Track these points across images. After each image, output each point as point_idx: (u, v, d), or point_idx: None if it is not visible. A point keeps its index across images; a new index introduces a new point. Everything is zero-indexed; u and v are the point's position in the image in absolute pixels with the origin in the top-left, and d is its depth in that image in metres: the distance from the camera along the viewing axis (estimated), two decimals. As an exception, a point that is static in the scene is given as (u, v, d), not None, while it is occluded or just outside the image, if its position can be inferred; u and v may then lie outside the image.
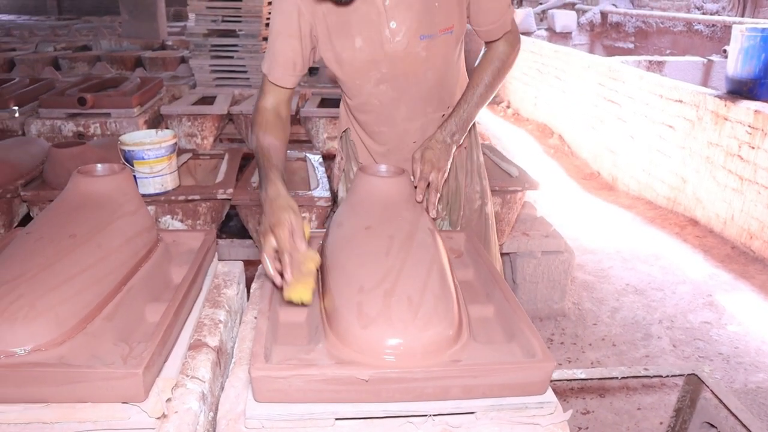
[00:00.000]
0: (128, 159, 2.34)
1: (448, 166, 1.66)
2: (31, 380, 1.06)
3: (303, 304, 1.28)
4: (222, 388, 1.30)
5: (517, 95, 8.59)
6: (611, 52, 8.98)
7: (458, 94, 1.79)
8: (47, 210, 1.49)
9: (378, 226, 1.39)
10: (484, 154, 3.20)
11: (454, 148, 1.68)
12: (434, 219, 1.61)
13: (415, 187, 1.62)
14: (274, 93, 1.67)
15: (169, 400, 1.11)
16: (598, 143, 5.98)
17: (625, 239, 4.29)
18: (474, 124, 1.97)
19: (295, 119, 4.18)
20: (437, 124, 1.74)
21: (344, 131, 1.96)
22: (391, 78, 1.67)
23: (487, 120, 7.98)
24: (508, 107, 8.72)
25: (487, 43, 1.77)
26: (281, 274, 1.28)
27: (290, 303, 1.28)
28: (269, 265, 1.28)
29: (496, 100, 9.23)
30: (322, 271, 1.37)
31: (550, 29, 9.32)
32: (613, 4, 9.28)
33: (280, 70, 1.64)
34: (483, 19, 1.66)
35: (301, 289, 1.26)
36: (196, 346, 1.33)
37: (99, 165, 1.60)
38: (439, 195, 1.62)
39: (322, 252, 1.47)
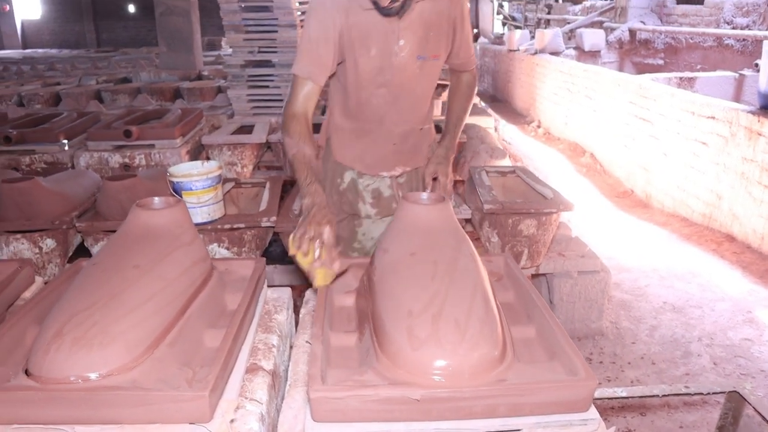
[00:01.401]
0: (177, 190, 2.45)
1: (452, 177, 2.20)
2: (106, 403, 1.14)
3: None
4: (277, 410, 1.38)
5: (547, 115, 8.62)
6: (641, 68, 8.97)
7: (427, 114, 2.26)
8: (111, 242, 1.58)
9: (422, 252, 1.46)
10: (518, 176, 3.26)
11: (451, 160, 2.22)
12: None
13: (426, 189, 2.21)
14: (306, 93, 1.97)
15: (232, 421, 1.19)
16: (631, 161, 5.98)
17: (661, 257, 4.29)
18: None
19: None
20: (411, 135, 2.21)
21: (327, 138, 2.31)
22: (390, 84, 2.06)
23: (518, 140, 8.02)
24: (538, 127, 8.75)
25: (453, 74, 2.29)
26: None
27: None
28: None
29: (527, 120, 9.27)
30: (371, 295, 1.44)
31: (579, 48, 9.35)
32: (642, 21, 9.29)
33: (316, 68, 1.97)
34: (459, 55, 2.16)
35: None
36: (252, 369, 1.41)
37: (156, 198, 1.69)
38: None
39: (369, 277, 1.54)
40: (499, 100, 11.37)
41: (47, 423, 1.15)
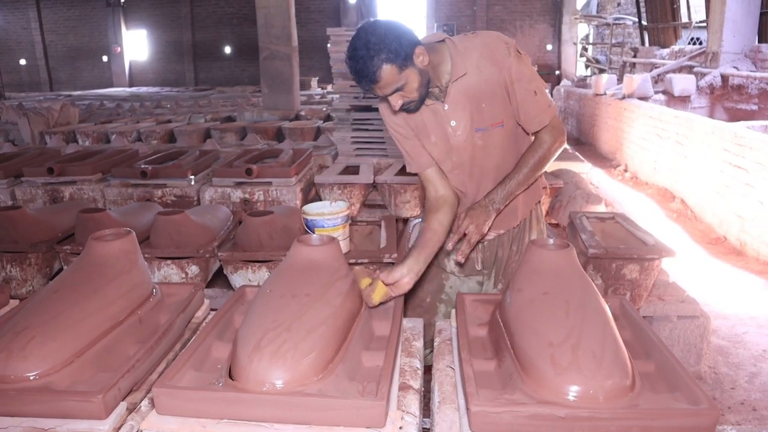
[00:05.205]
0: (310, 226, 2.73)
1: (486, 227, 2.09)
2: (301, 406, 1.39)
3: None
4: (421, 425, 1.59)
5: (635, 159, 8.64)
6: (733, 114, 8.88)
7: None
8: (278, 271, 1.86)
9: (554, 292, 1.66)
10: (617, 222, 3.41)
11: (494, 215, 2.12)
12: (462, 264, 2.26)
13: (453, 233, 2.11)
14: (430, 181, 2.23)
15: (400, 428, 1.41)
16: (724, 208, 5.96)
17: (758, 305, 4.29)
18: (540, 216, 2.50)
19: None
20: None
21: None
22: (460, 165, 2.20)
23: (605, 184, 8.07)
24: (625, 171, 8.77)
25: (534, 133, 2.19)
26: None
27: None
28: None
29: (612, 164, 9.31)
30: (509, 328, 1.64)
31: (668, 93, 9.34)
32: (735, 67, 9.21)
33: (422, 157, 2.21)
34: (522, 116, 2.13)
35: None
36: (404, 387, 1.64)
37: (314, 236, 1.97)
38: (471, 248, 2.08)
39: (503, 312, 1.75)
40: (583, 143, 11.41)
41: (251, 420, 1.41)
